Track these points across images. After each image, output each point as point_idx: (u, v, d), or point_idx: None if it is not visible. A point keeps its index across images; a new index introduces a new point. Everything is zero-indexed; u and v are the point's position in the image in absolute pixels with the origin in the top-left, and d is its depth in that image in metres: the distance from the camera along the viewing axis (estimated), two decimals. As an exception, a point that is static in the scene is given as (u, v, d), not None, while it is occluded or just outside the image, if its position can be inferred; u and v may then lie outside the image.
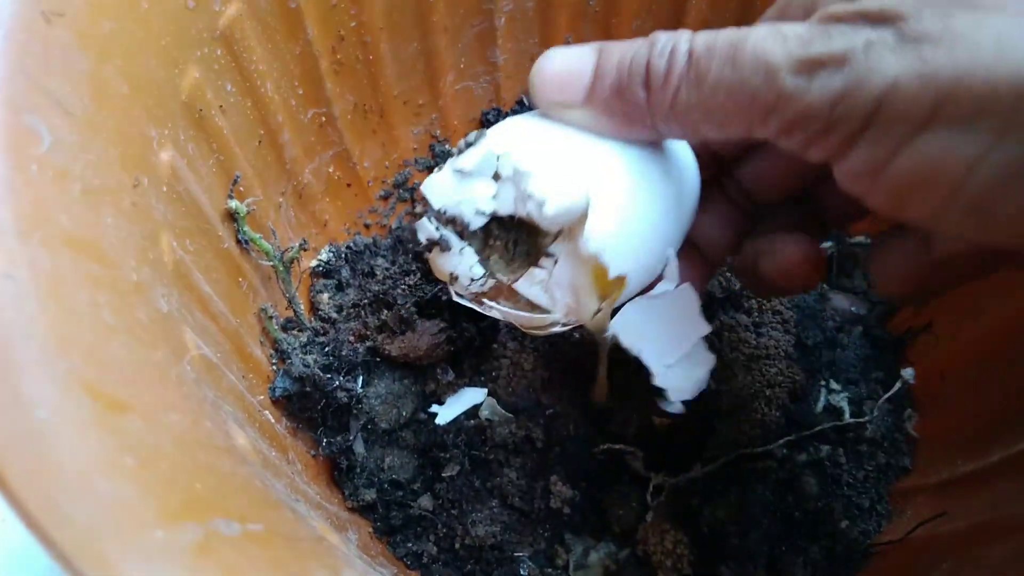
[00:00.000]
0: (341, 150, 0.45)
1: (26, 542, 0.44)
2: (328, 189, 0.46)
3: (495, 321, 0.34)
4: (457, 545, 0.39)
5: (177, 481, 0.19)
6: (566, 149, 0.29)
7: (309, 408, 0.38)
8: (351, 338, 0.41)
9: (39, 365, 0.19)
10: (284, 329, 0.41)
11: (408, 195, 0.51)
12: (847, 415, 0.44)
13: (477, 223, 0.29)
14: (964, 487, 0.38)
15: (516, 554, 0.40)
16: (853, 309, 0.47)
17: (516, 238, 0.31)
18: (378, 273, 0.46)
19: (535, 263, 0.30)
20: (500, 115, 0.52)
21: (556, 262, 0.30)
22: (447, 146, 0.52)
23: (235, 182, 0.36)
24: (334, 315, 0.43)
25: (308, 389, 0.37)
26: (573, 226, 0.28)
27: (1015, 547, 0.32)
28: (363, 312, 0.42)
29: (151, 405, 0.21)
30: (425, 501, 0.40)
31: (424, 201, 0.30)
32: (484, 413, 0.41)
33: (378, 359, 0.41)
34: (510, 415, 0.41)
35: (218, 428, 0.24)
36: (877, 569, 0.39)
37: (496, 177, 0.29)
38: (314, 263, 0.45)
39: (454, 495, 0.39)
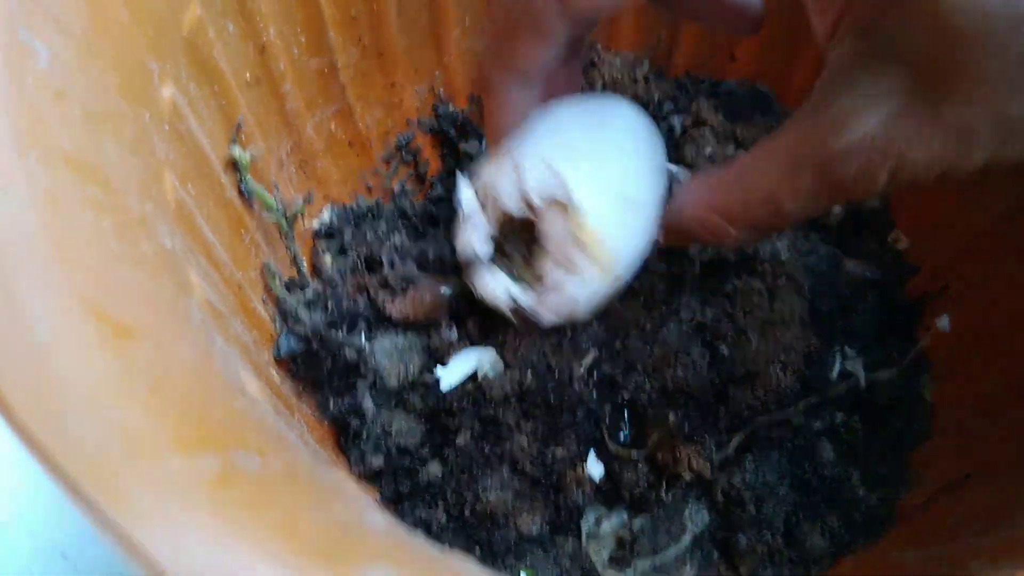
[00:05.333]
0: (343, 105, 0.44)
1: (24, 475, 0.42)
2: (330, 147, 0.44)
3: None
4: (467, 512, 0.38)
5: (192, 411, 0.17)
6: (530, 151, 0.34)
7: (315, 368, 0.37)
8: (350, 290, 0.39)
9: (40, 283, 0.17)
10: (287, 288, 0.39)
11: (411, 158, 0.50)
12: (862, 380, 0.43)
13: (485, 251, 0.35)
14: (985, 449, 0.37)
15: (527, 521, 0.38)
16: (868, 274, 0.46)
17: (527, 244, 0.36)
18: (379, 235, 0.45)
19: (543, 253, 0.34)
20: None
21: (544, 235, 0.34)
22: (451, 107, 0.50)
23: (238, 128, 0.34)
24: (337, 278, 0.42)
25: (315, 347, 0.36)
26: (557, 201, 0.33)
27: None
28: (360, 268, 0.40)
29: (161, 335, 0.19)
30: (433, 467, 0.38)
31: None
32: (483, 369, 0.40)
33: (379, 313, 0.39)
34: (508, 369, 0.39)
35: (230, 370, 0.23)
36: (898, 536, 0.38)
37: (484, 207, 0.35)
38: (316, 223, 0.43)
39: (463, 461, 0.38)
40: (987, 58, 0.22)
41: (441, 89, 0.49)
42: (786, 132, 0.29)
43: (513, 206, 0.34)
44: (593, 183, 0.34)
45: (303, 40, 0.39)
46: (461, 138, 0.50)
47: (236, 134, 0.34)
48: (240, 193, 0.35)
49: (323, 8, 0.39)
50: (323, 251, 0.43)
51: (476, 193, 0.36)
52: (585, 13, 0.28)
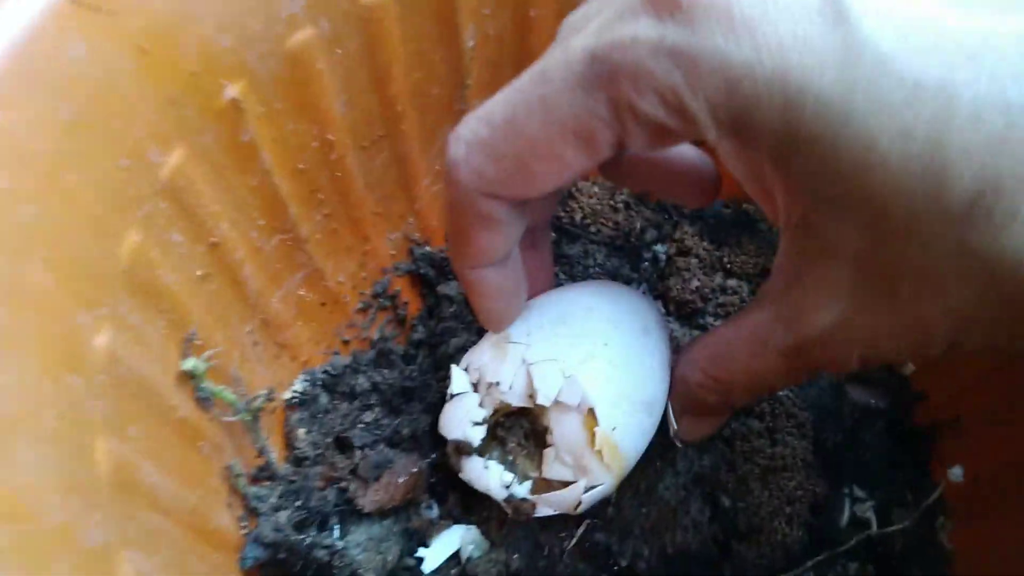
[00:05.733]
0: (311, 271, 0.42)
1: None
2: (300, 313, 0.43)
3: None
4: None
5: None
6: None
7: (287, 570, 0.35)
8: (319, 483, 0.37)
9: None
10: (255, 480, 0.38)
11: (388, 302, 0.48)
12: (874, 526, 0.40)
13: (476, 436, 0.34)
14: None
15: None
16: (873, 402, 0.44)
17: (525, 432, 0.35)
18: (357, 393, 0.43)
19: (545, 444, 0.34)
20: (481, 211, 0.49)
21: (551, 432, 0.33)
22: (427, 248, 0.49)
23: (190, 339, 0.33)
24: (310, 452, 0.40)
25: (282, 555, 0.34)
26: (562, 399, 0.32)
27: None
28: (327, 453, 0.39)
29: None
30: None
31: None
32: (468, 550, 0.38)
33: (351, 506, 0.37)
34: (493, 549, 0.38)
35: None
36: None
37: (475, 388, 0.35)
38: (288, 395, 0.42)
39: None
40: (924, 253, 0.21)
41: (416, 233, 0.48)
42: (754, 314, 0.29)
43: (516, 399, 0.34)
44: (611, 391, 0.33)
45: (262, 223, 0.38)
46: (440, 279, 0.49)
47: (188, 347, 0.33)
48: (197, 402, 0.34)
49: (279, 188, 0.38)
50: (295, 424, 0.41)
51: (468, 375, 0.36)
52: (523, 197, 0.27)
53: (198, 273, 0.34)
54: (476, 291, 0.32)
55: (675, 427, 0.36)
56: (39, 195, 0.26)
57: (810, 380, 0.43)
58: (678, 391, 0.35)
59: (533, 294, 0.36)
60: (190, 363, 0.33)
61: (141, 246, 0.30)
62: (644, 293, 0.39)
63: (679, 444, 0.37)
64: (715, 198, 0.33)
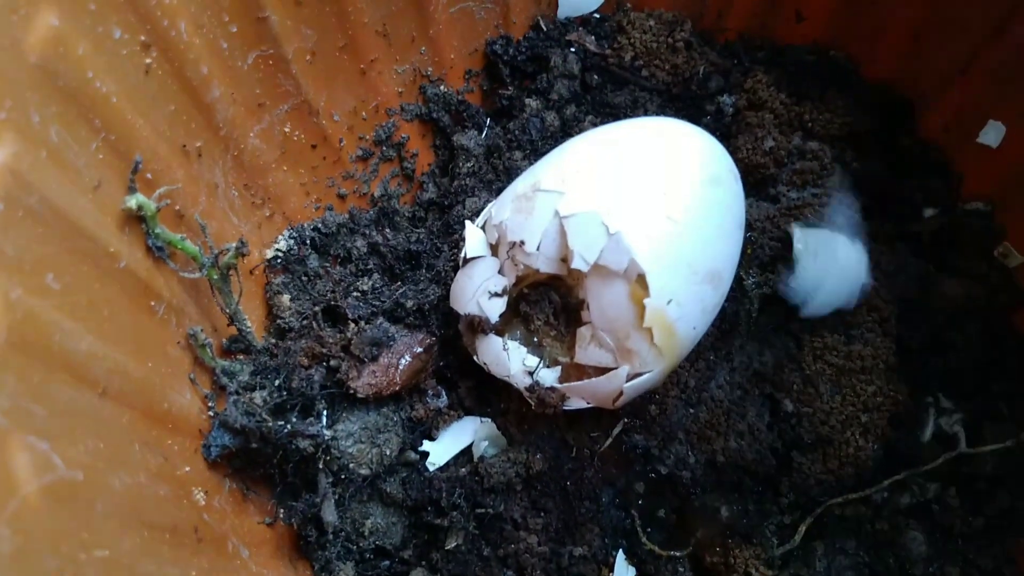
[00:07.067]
0: (299, 102, 0.34)
1: None
2: (284, 154, 0.35)
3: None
4: (462, 632, 0.31)
5: None
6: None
7: (261, 463, 0.29)
8: (303, 360, 0.31)
9: None
10: (227, 353, 0.31)
11: (394, 152, 0.40)
12: (963, 443, 0.34)
13: (495, 310, 0.28)
14: None
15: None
16: (969, 297, 0.36)
17: (555, 306, 0.29)
18: (354, 258, 0.36)
19: (579, 322, 0.27)
20: (509, 45, 0.40)
21: (588, 306, 0.27)
22: (442, 87, 0.40)
23: (135, 169, 0.25)
24: (295, 323, 0.33)
25: (255, 444, 0.28)
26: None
27: None
28: (315, 324, 0.32)
29: None
30: (419, 575, 0.31)
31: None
32: (481, 448, 0.32)
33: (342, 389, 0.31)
34: (511, 447, 0.32)
35: None
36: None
37: (495, 250, 0.29)
38: (270, 254, 0.35)
39: (457, 567, 0.31)
40: None
41: (429, 68, 0.39)
42: None
43: (545, 263, 0.27)
44: (669, 254, 0.26)
45: (234, 30, 0.30)
46: (456, 126, 0.40)
47: (132, 178, 0.25)
48: (148, 251, 0.26)
49: (256, -16, 0.29)
50: (279, 290, 0.34)
51: (485, 234, 0.29)
52: None
53: (149, 88, 0.26)
54: None
55: None
56: None
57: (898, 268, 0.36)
58: None
59: None
60: (134, 200, 0.25)
61: (59, 34, 0.22)
62: (714, 143, 0.31)
63: None
64: None
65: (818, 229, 0.33)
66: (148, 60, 0.26)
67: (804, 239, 0.32)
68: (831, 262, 0.32)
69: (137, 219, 0.26)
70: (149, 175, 0.27)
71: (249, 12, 0.30)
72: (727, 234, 0.28)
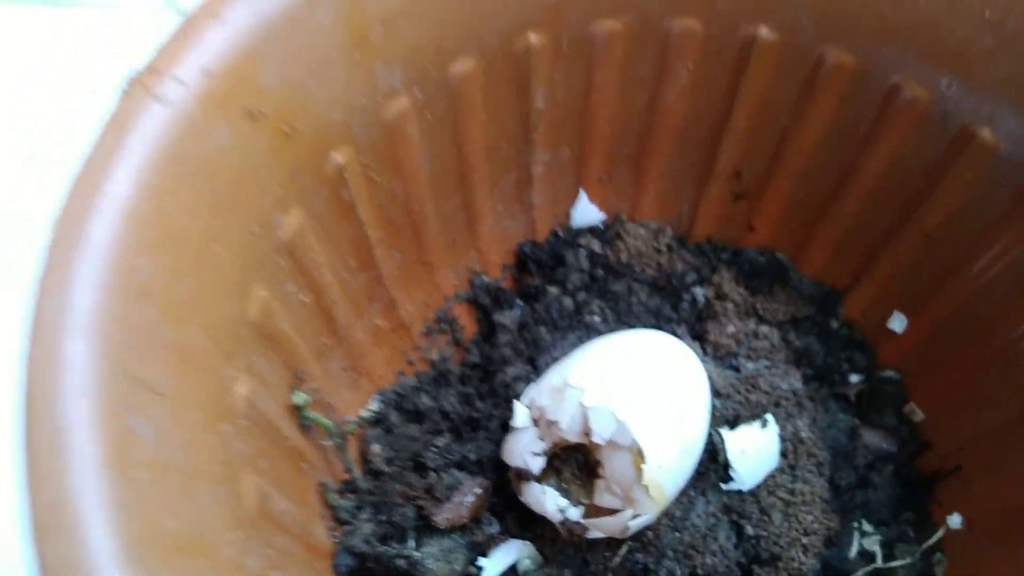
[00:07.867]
0: (387, 302, 0.47)
1: None
2: (376, 341, 0.47)
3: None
4: None
5: None
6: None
7: (373, 577, 0.41)
8: (399, 500, 0.43)
9: None
10: (340, 494, 0.43)
11: (447, 327, 0.53)
12: (879, 559, 0.45)
13: (536, 465, 0.38)
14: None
15: None
16: (884, 446, 0.49)
17: (579, 464, 0.40)
18: (425, 417, 0.48)
19: (597, 475, 0.39)
20: (535, 247, 0.54)
21: (603, 466, 0.38)
22: (485, 278, 0.53)
23: (300, 377, 0.38)
24: (384, 468, 0.45)
25: (370, 565, 0.39)
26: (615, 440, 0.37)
27: None
28: (404, 473, 0.44)
29: None
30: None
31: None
32: (524, 564, 0.43)
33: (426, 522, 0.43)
34: (546, 564, 0.43)
35: None
36: None
37: (536, 423, 0.40)
38: (366, 413, 0.47)
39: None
40: None
41: (477, 266, 0.52)
42: None
43: (573, 436, 0.38)
44: (659, 436, 0.38)
45: (352, 265, 0.43)
46: (496, 307, 0.53)
47: (296, 384, 0.38)
48: (301, 430, 0.39)
49: (370, 236, 0.42)
50: (371, 441, 0.46)
51: (529, 411, 0.41)
52: None
53: (306, 320, 0.39)
54: None
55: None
56: (194, 268, 0.31)
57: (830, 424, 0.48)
58: None
59: None
60: (300, 397, 0.38)
61: (266, 300, 0.35)
62: (685, 341, 0.44)
63: None
64: None
65: (742, 426, 0.45)
66: (305, 300, 0.39)
67: (730, 440, 0.44)
68: (755, 453, 0.44)
69: (296, 409, 0.38)
70: (305, 377, 0.39)
71: (364, 253, 0.43)
72: (699, 418, 0.40)
